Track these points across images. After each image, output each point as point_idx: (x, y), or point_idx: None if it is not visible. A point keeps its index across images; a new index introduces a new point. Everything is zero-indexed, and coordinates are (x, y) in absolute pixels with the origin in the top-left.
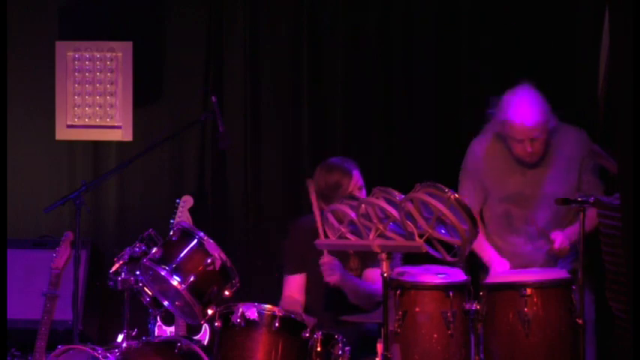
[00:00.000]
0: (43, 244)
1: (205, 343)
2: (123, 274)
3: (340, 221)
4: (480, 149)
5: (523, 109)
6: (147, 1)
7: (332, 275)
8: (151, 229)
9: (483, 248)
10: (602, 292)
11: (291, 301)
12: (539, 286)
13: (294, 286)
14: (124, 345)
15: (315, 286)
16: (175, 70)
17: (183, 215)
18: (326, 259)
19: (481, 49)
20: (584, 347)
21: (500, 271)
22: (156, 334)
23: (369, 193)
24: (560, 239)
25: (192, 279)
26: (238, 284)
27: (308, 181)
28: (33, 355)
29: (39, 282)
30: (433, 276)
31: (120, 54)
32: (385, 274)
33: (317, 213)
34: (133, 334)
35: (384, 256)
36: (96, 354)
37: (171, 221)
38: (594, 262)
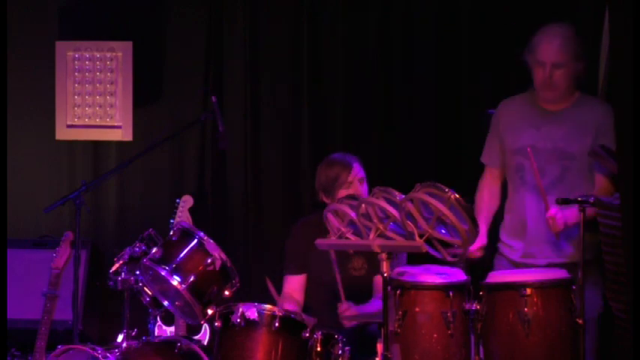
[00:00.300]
0: (43, 244)
1: (205, 343)
2: (123, 274)
3: (341, 221)
4: (503, 105)
5: (553, 32)
6: (147, 1)
7: (349, 322)
8: (151, 229)
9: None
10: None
11: (290, 301)
12: (539, 286)
13: (294, 285)
14: (124, 345)
15: (316, 286)
16: (175, 70)
17: (183, 215)
18: (344, 305)
19: (481, 49)
20: (584, 347)
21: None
22: (156, 334)
23: (371, 187)
24: (554, 211)
25: (192, 279)
26: (238, 284)
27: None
28: (33, 355)
29: (39, 282)
30: (433, 276)
31: (120, 54)
32: (385, 274)
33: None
34: (133, 334)
35: (384, 256)
36: (96, 354)
37: (171, 221)
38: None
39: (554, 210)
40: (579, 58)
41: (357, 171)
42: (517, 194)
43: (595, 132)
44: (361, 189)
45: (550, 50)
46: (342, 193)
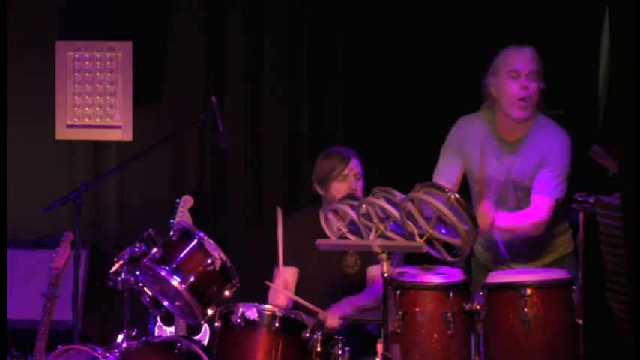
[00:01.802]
0: (43, 244)
1: (205, 343)
2: (123, 274)
3: (342, 220)
4: (465, 126)
5: (519, 46)
6: (147, 1)
7: (331, 323)
8: (150, 229)
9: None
10: (602, 292)
11: (279, 294)
12: (539, 286)
13: (286, 277)
14: (124, 345)
15: (313, 284)
16: (175, 70)
17: (183, 215)
18: (322, 314)
19: (481, 49)
20: (584, 347)
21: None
22: (156, 334)
23: (368, 187)
24: (487, 206)
25: (192, 279)
26: (238, 284)
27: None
28: (33, 355)
29: (39, 282)
30: (433, 276)
31: (120, 54)
32: (385, 274)
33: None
34: (133, 334)
35: (384, 256)
36: (96, 354)
37: (171, 221)
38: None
39: (487, 205)
40: (542, 77)
41: (354, 165)
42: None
43: (539, 161)
44: (356, 185)
45: (524, 59)
46: (336, 186)
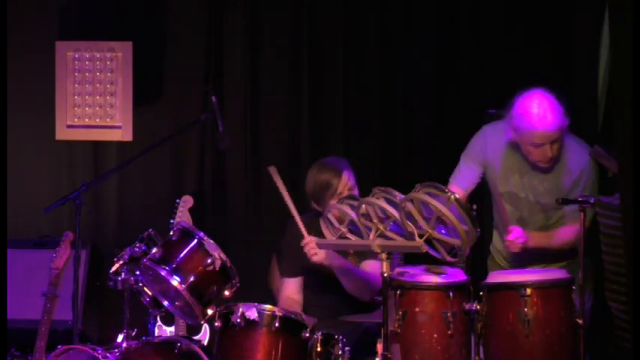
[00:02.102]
0: (43, 244)
1: (205, 343)
2: (123, 274)
3: (341, 221)
4: (489, 137)
5: (543, 112)
6: (147, 1)
7: (316, 255)
8: (150, 229)
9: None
10: (602, 292)
11: (290, 303)
12: (539, 286)
13: (292, 287)
14: (124, 345)
15: (314, 285)
16: (175, 70)
17: (183, 215)
18: (306, 239)
19: (481, 49)
20: (584, 347)
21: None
22: (156, 334)
23: (368, 187)
24: (518, 233)
25: (192, 279)
26: (238, 284)
27: (270, 168)
28: (33, 355)
29: (39, 282)
30: (433, 276)
31: (120, 54)
32: (385, 274)
33: (286, 196)
34: (133, 334)
35: (384, 256)
36: (96, 354)
37: (171, 221)
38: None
39: (515, 234)
40: (565, 118)
41: (347, 179)
42: (500, 234)
43: (573, 184)
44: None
45: (547, 134)
46: (332, 202)
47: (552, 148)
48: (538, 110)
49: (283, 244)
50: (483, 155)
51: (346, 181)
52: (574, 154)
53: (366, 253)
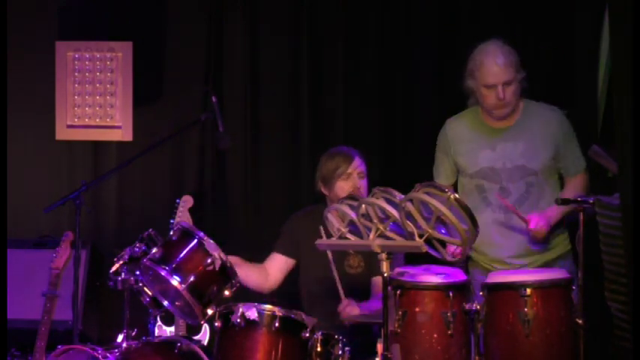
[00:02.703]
0: (43, 244)
1: (205, 343)
2: (123, 274)
3: (341, 221)
4: (449, 126)
5: (494, 51)
6: (147, 1)
7: (352, 311)
8: (150, 229)
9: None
10: (602, 292)
11: (263, 272)
12: (539, 286)
13: (276, 264)
14: (124, 345)
15: (314, 284)
16: (175, 70)
17: (183, 215)
18: (344, 303)
19: None
20: (585, 347)
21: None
22: (156, 334)
23: (371, 187)
24: (535, 220)
25: (192, 279)
26: (238, 284)
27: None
28: (33, 355)
29: (39, 282)
30: (433, 276)
31: (120, 54)
32: (385, 274)
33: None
34: (133, 334)
35: (384, 256)
36: (96, 354)
37: (171, 221)
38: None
39: (534, 220)
40: (520, 68)
41: (358, 164)
42: (480, 214)
43: (555, 145)
44: (360, 183)
45: (497, 71)
46: (341, 184)
47: (505, 91)
48: (490, 48)
49: (285, 226)
50: (446, 142)
51: (357, 165)
52: (542, 113)
53: (370, 258)
